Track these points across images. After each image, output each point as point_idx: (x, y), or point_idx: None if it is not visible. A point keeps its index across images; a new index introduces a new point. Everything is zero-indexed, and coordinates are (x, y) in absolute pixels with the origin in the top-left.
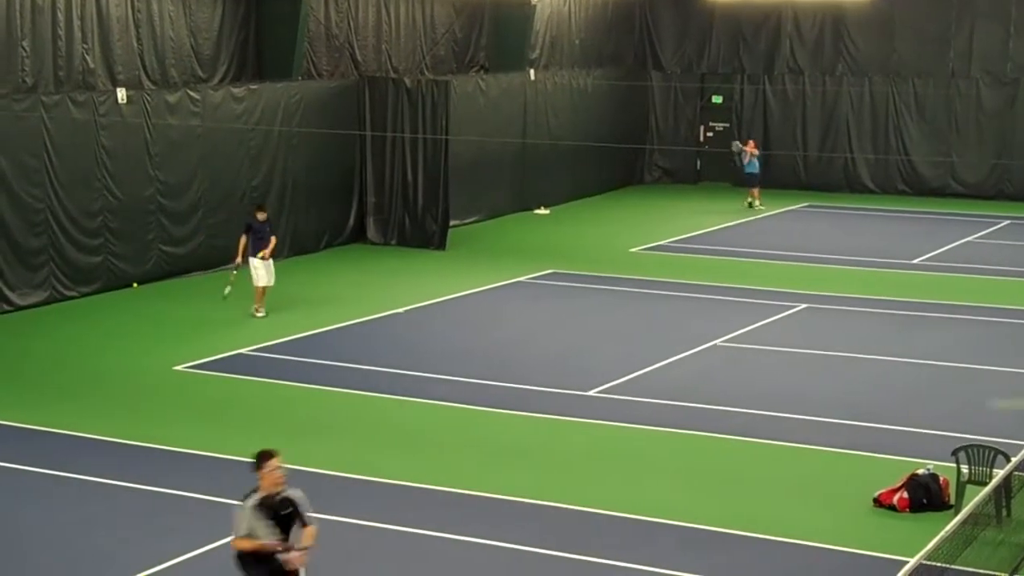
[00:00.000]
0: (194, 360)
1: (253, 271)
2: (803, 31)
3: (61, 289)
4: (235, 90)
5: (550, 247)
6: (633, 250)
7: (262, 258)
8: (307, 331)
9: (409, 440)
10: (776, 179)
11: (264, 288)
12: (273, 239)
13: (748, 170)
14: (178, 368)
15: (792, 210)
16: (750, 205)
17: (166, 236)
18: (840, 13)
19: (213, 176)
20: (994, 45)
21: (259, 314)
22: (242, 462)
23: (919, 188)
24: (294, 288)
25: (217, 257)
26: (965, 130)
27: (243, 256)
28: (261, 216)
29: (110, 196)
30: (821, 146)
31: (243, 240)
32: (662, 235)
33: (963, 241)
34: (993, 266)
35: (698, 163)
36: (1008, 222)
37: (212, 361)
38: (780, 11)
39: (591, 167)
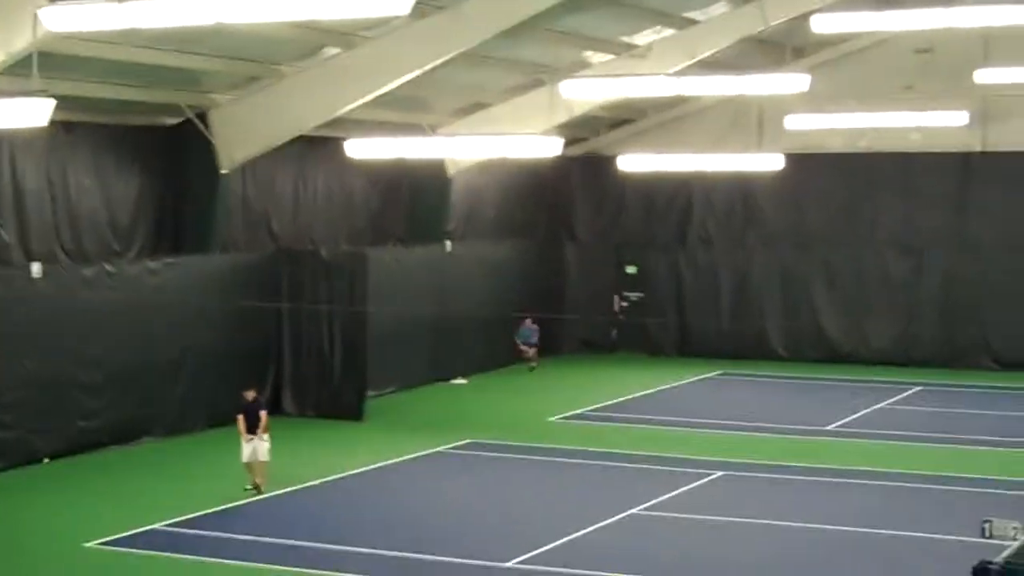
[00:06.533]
0: (106, 536)
1: (246, 448)
2: (714, 202)
3: None
4: (152, 264)
5: (468, 417)
6: (551, 419)
7: (256, 436)
8: (222, 504)
9: None
10: (691, 347)
11: (250, 464)
12: (263, 414)
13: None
14: (88, 545)
15: (707, 378)
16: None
17: (81, 410)
18: (749, 185)
19: (129, 349)
20: (899, 215)
21: (249, 488)
22: None
23: (830, 355)
24: (210, 460)
25: (132, 431)
26: (873, 298)
27: (246, 432)
28: (250, 396)
29: (23, 370)
30: (734, 314)
31: (240, 419)
32: (580, 404)
33: (875, 407)
34: (905, 432)
35: (614, 333)
36: (918, 388)
37: (124, 537)
38: (691, 183)
39: (508, 337)
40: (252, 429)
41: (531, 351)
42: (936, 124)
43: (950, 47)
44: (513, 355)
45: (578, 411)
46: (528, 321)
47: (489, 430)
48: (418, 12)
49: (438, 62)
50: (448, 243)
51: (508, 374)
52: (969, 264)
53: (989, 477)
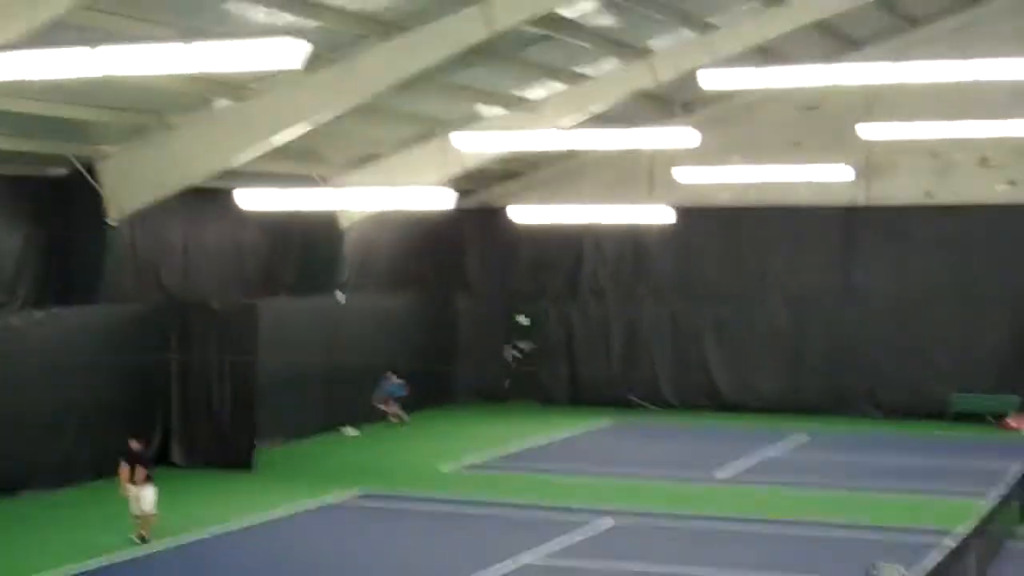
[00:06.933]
0: None
1: (134, 500)
2: (605, 254)
3: None
4: (36, 314)
5: (360, 467)
6: (443, 469)
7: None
8: (107, 558)
9: None
10: (583, 397)
11: (141, 516)
12: (143, 468)
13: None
14: None
15: (599, 427)
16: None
17: None
18: (640, 237)
19: (13, 400)
20: (786, 267)
21: (137, 541)
22: None
23: (719, 404)
24: (93, 514)
25: (14, 483)
26: (761, 348)
27: (128, 483)
28: (135, 445)
29: None
30: (625, 365)
31: (124, 468)
32: (472, 454)
33: (763, 455)
34: (792, 479)
35: (506, 382)
36: (805, 436)
37: None
38: (582, 234)
39: (411, 384)
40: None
41: (396, 407)
42: (822, 178)
43: (836, 103)
44: (379, 415)
45: (470, 461)
46: (392, 376)
47: (380, 481)
48: (311, 65)
49: (331, 115)
50: (340, 293)
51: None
52: (854, 315)
53: (875, 523)
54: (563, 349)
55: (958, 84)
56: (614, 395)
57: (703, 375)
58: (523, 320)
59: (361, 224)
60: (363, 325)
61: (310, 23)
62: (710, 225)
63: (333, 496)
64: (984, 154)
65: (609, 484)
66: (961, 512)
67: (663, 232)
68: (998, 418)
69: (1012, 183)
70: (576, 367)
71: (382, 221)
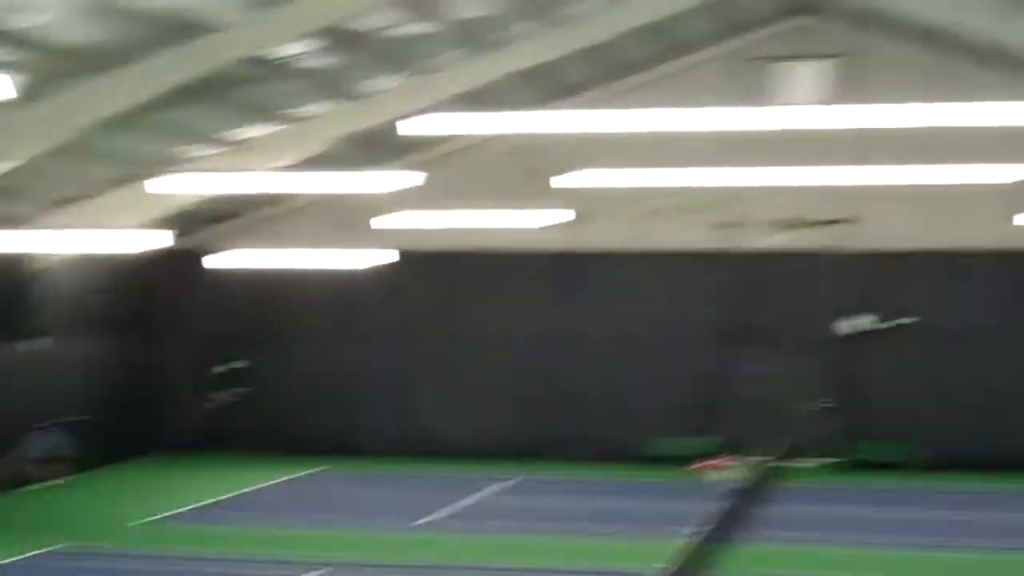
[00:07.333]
0: None
1: None
2: (317, 298)
3: None
4: None
5: (53, 523)
6: (141, 524)
7: None
8: None
9: None
10: (294, 443)
11: None
12: None
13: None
14: None
15: (308, 474)
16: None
17: None
18: (357, 281)
19: None
20: (501, 312)
21: None
22: None
23: (434, 449)
24: None
25: None
26: (477, 392)
27: None
28: None
29: None
30: (340, 409)
31: None
32: (173, 507)
33: (470, 501)
34: (506, 523)
35: (214, 431)
36: (521, 478)
37: None
38: (297, 278)
39: (103, 436)
40: None
41: (50, 466)
42: (532, 223)
43: (549, 148)
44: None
45: (170, 513)
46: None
47: (75, 536)
48: (14, 101)
49: (34, 153)
50: (36, 341)
51: (103, 476)
52: (564, 359)
53: (571, 568)
54: (275, 395)
55: (667, 132)
56: (327, 443)
57: (419, 419)
58: (232, 367)
59: (61, 267)
60: (62, 372)
61: (9, 57)
62: (427, 269)
63: (24, 551)
64: (688, 201)
65: (318, 534)
66: (657, 554)
67: (380, 276)
68: (698, 460)
69: (715, 228)
70: (288, 414)
71: (83, 265)
